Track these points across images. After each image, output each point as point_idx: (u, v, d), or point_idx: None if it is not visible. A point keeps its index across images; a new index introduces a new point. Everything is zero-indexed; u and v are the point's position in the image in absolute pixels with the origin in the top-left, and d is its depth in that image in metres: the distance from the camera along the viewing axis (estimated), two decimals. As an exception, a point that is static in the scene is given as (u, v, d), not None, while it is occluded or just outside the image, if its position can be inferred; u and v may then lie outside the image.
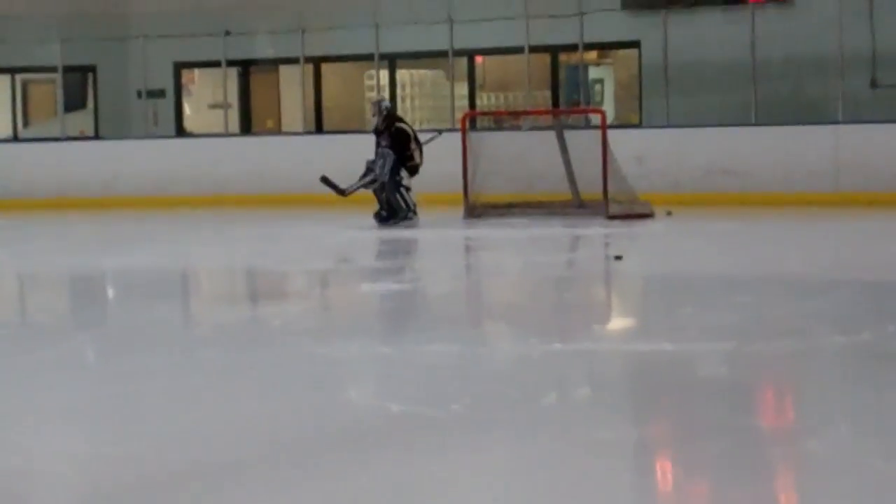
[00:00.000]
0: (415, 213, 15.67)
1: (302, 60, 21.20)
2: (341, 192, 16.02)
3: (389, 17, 20.45)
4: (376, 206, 15.85)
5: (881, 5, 18.43)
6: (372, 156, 15.94)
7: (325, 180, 15.99)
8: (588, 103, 20.53)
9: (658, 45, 19.28)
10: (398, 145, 15.61)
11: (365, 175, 15.81)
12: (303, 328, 8.73)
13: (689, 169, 17.95)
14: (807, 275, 10.98)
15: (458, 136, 16.74)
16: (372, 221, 15.64)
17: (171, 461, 5.24)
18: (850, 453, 5.20)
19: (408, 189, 15.64)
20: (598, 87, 21.95)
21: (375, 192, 15.82)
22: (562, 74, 21.29)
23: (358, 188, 15.90)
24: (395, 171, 15.57)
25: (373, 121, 16.24)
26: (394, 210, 15.64)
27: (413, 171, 15.68)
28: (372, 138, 16.08)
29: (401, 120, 16.21)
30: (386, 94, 21.89)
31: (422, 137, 16.12)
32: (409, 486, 4.85)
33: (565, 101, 21.04)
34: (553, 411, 6.21)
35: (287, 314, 9.44)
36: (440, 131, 17.28)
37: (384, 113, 16.01)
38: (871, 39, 18.48)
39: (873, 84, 18.68)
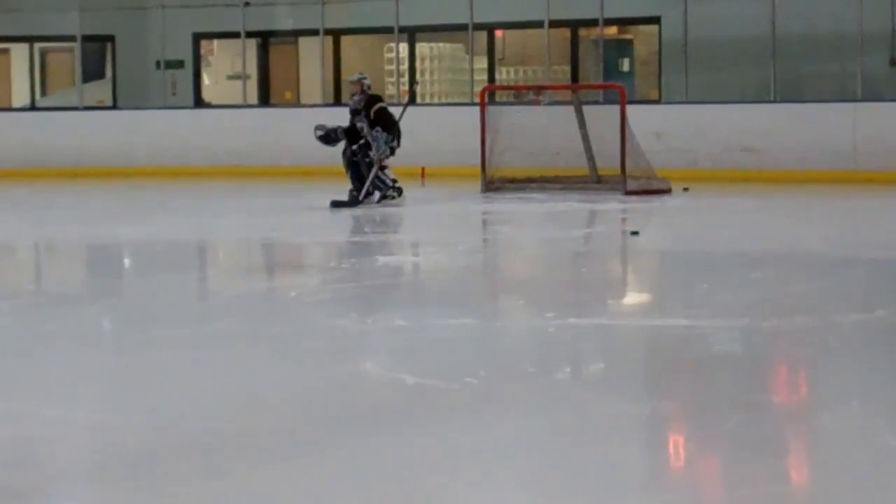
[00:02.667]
0: (400, 191, 15.17)
1: (322, 32, 21.19)
2: (356, 202, 15.02)
3: (409, -10, 20.43)
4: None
5: (901, -17, 18.38)
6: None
7: (336, 204, 14.85)
8: (609, 79, 20.47)
9: (678, 21, 19.23)
10: (388, 125, 15.02)
11: (360, 174, 15.04)
12: (319, 300, 8.76)
13: (707, 145, 17.92)
14: (823, 252, 10.97)
15: (477, 110, 16.73)
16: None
17: (186, 430, 5.26)
18: (862, 429, 5.21)
19: (384, 168, 15.14)
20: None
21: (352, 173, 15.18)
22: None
23: (368, 187, 15.03)
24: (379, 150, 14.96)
25: (353, 100, 15.31)
26: (371, 189, 14.99)
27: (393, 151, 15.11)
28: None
29: (380, 99, 15.68)
30: (405, 67, 21.86)
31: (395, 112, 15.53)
32: (422, 457, 4.87)
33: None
34: (567, 386, 6.22)
35: (303, 286, 9.47)
36: (412, 90, 16.77)
37: (367, 92, 15.27)
38: (891, 17, 18.42)
39: (892, 62, 18.63)
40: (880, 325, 7.56)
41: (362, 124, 15.06)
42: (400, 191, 15.14)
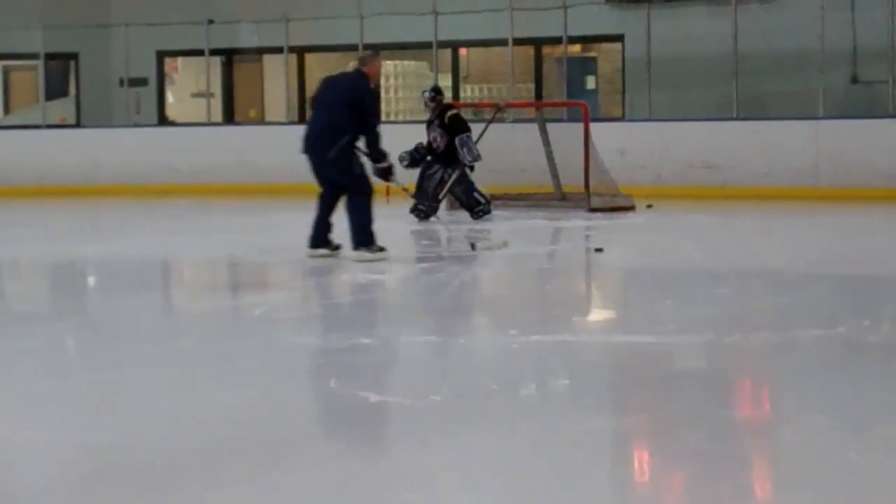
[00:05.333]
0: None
1: (286, 50, 21.19)
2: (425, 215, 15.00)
3: (374, 8, 20.44)
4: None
5: (862, 2, 18.50)
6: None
7: (421, 214, 14.85)
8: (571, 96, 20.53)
9: (641, 39, 19.31)
10: (462, 130, 15.07)
11: (447, 173, 15.05)
12: (283, 318, 8.74)
13: (670, 162, 17.99)
14: (785, 269, 11.03)
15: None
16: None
17: (148, 450, 5.25)
18: (824, 445, 5.24)
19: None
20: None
21: (433, 189, 15.07)
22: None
23: (477, 197, 15.12)
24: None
25: (427, 111, 15.38)
26: (471, 205, 15.12)
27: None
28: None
29: (452, 106, 15.75)
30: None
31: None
32: (386, 475, 4.88)
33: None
34: (532, 402, 6.24)
35: (267, 304, 9.45)
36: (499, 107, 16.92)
37: (440, 102, 15.36)
38: (852, 35, 18.55)
39: (854, 80, 18.76)
40: (842, 340, 7.61)
41: (435, 134, 15.15)
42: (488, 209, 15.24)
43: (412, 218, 14.83)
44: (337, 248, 11.43)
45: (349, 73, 11.88)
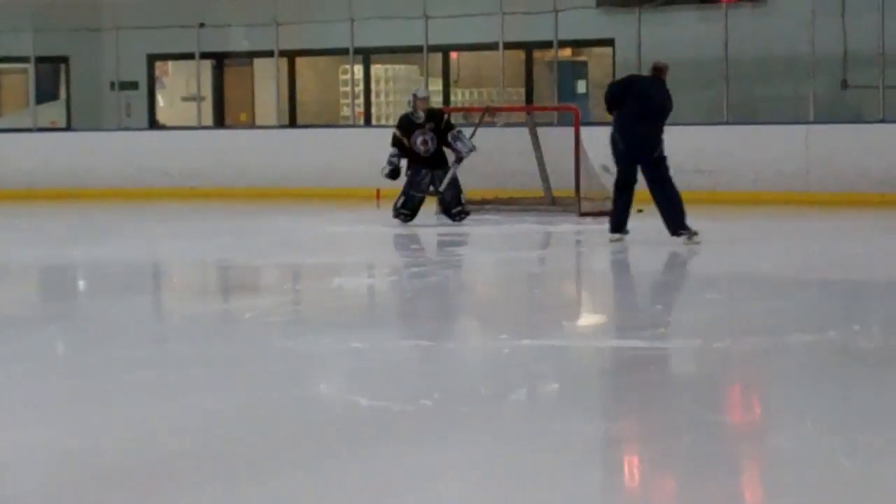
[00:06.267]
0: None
1: (276, 54, 21.18)
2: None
3: (364, 12, 20.43)
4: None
5: (853, 7, 18.52)
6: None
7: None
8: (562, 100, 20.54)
9: (632, 43, 19.31)
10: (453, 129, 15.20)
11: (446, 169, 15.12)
12: (273, 322, 8.74)
13: (661, 167, 17.97)
14: (776, 273, 11.04)
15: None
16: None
17: (137, 454, 5.24)
18: (814, 449, 5.25)
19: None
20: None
21: (441, 189, 15.06)
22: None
23: (450, 180, 15.16)
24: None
25: (417, 116, 15.15)
26: (452, 204, 15.11)
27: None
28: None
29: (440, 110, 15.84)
30: (360, 88, 21.93)
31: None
32: (376, 480, 4.87)
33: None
34: (521, 407, 6.24)
35: (258, 308, 9.45)
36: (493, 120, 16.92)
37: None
38: (843, 40, 18.57)
39: (844, 85, 18.78)
40: (832, 345, 7.62)
41: (426, 137, 15.05)
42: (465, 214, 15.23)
43: (396, 221, 14.81)
44: (627, 232, 12.78)
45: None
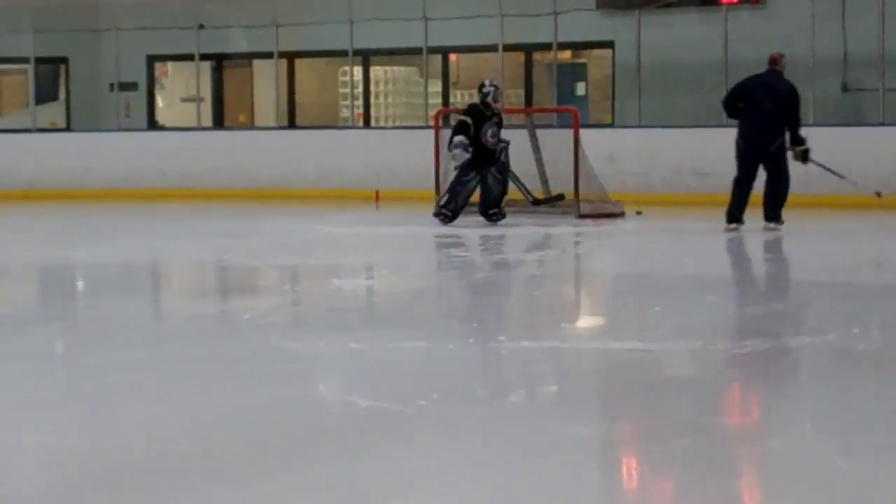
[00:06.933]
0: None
1: (276, 55, 21.19)
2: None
3: (364, 14, 20.45)
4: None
5: (852, 9, 18.53)
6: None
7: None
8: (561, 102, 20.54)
9: (632, 46, 19.33)
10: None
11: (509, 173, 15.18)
12: (272, 323, 8.73)
13: (660, 169, 18.01)
14: (775, 276, 11.04)
15: (432, 133, 16.75)
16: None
17: (134, 455, 5.23)
18: (813, 452, 5.24)
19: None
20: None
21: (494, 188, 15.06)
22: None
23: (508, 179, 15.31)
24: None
25: (497, 107, 15.14)
26: (493, 204, 15.11)
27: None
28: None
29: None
30: (360, 90, 21.92)
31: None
32: (374, 480, 4.86)
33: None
34: (520, 409, 6.23)
35: (256, 309, 9.44)
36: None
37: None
38: (843, 43, 18.58)
39: (844, 87, 18.78)
40: (831, 348, 7.61)
41: (493, 130, 15.02)
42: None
43: (396, 221, 14.78)
44: (743, 223, 13.59)
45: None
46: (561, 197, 15.62)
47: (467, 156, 14.82)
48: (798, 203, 16.57)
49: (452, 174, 15.66)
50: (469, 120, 14.94)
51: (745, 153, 13.48)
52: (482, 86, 15.23)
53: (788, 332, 8.11)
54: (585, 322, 9.35)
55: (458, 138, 14.84)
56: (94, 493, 4.73)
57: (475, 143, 14.84)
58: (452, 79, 22.19)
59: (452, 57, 22.05)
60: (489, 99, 15.06)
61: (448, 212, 14.90)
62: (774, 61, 13.80)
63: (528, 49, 21.07)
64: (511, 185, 15.33)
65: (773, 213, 13.59)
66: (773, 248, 13.20)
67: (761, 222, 13.61)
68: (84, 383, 6.75)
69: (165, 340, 8.12)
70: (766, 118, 13.38)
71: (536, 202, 15.76)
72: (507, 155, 15.15)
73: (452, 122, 16.83)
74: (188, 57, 21.63)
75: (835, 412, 6.02)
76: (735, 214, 13.60)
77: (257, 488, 4.73)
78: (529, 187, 16.04)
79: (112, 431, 5.61)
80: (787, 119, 13.49)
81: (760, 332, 8.06)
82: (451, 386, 6.57)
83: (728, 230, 13.52)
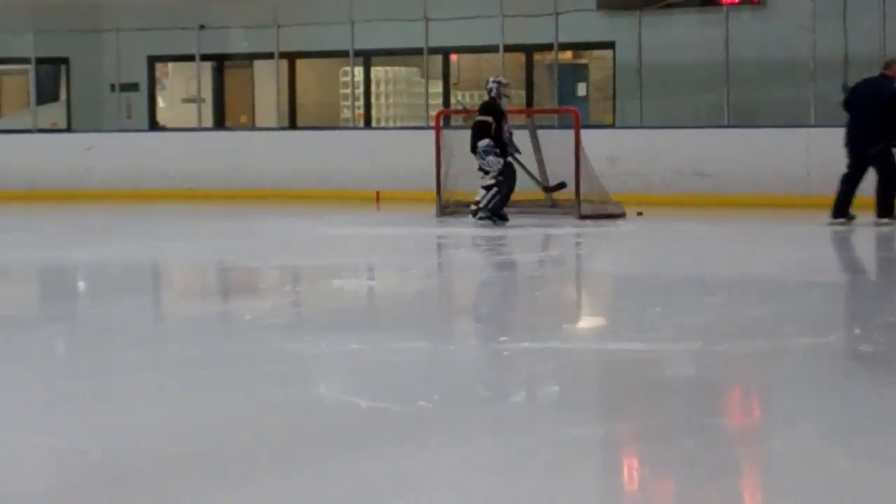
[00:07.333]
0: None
1: (276, 56, 21.19)
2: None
3: (364, 14, 20.44)
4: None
5: (854, 9, 18.52)
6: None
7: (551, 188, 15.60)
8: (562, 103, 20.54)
9: (632, 46, 19.32)
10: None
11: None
12: (273, 324, 8.72)
13: (661, 170, 18.00)
14: (776, 277, 11.03)
15: (433, 133, 16.74)
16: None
17: (135, 455, 5.23)
18: (815, 453, 5.24)
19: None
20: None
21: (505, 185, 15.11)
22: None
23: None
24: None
25: (505, 103, 15.30)
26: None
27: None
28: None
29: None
30: (361, 90, 21.92)
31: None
32: (375, 481, 4.86)
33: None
34: (521, 409, 6.22)
35: (257, 309, 9.43)
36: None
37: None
38: (844, 43, 18.56)
39: (845, 88, 18.76)
40: (832, 349, 7.61)
41: (508, 125, 15.18)
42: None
43: (396, 222, 14.79)
44: (853, 217, 14.33)
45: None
46: (563, 185, 15.65)
47: (501, 161, 14.86)
48: (797, 203, 16.57)
49: (452, 174, 15.70)
50: (490, 119, 14.98)
51: (849, 154, 14.29)
52: (488, 82, 15.36)
53: (789, 333, 8.10)
54: (586, 323, 9.35)
55: (485, 143, 14.87)
56: (95, 492, 4.73)
57: (498, 140, 14.93)
58: (453, 79, 22.19)
59: (453, 57, 22.05)
60: (494, 94, 15.09)
61: (503, 213, 14.95)
62: (887, 66, 14.59)
63: (529, 49, 21.07)
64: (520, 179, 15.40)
65: (879, 212, 14.26)
66: (773, 249, 13.18)
67: (751, 220, 13.81)
68: (86, 383, 6.75)
69: (166, 341, 8.12)
70: (862, 124, 14.24)
71: (547, 189, 15.83)
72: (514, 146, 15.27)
73: (453, 122, 16.84)
74: (189, 57, 21.63)
75: (836, 413, 6.02)
76: (837, 210, 14.33)
77: (258, 488, 4.73)
78: (530, 189, 16.05)
79: (112, 431, 5.61)
80: (887, 122, 14.08)
81: (761, 333, 8.05)
82: (452, 387, 6.57)
83: (830, 224, 14.25)
